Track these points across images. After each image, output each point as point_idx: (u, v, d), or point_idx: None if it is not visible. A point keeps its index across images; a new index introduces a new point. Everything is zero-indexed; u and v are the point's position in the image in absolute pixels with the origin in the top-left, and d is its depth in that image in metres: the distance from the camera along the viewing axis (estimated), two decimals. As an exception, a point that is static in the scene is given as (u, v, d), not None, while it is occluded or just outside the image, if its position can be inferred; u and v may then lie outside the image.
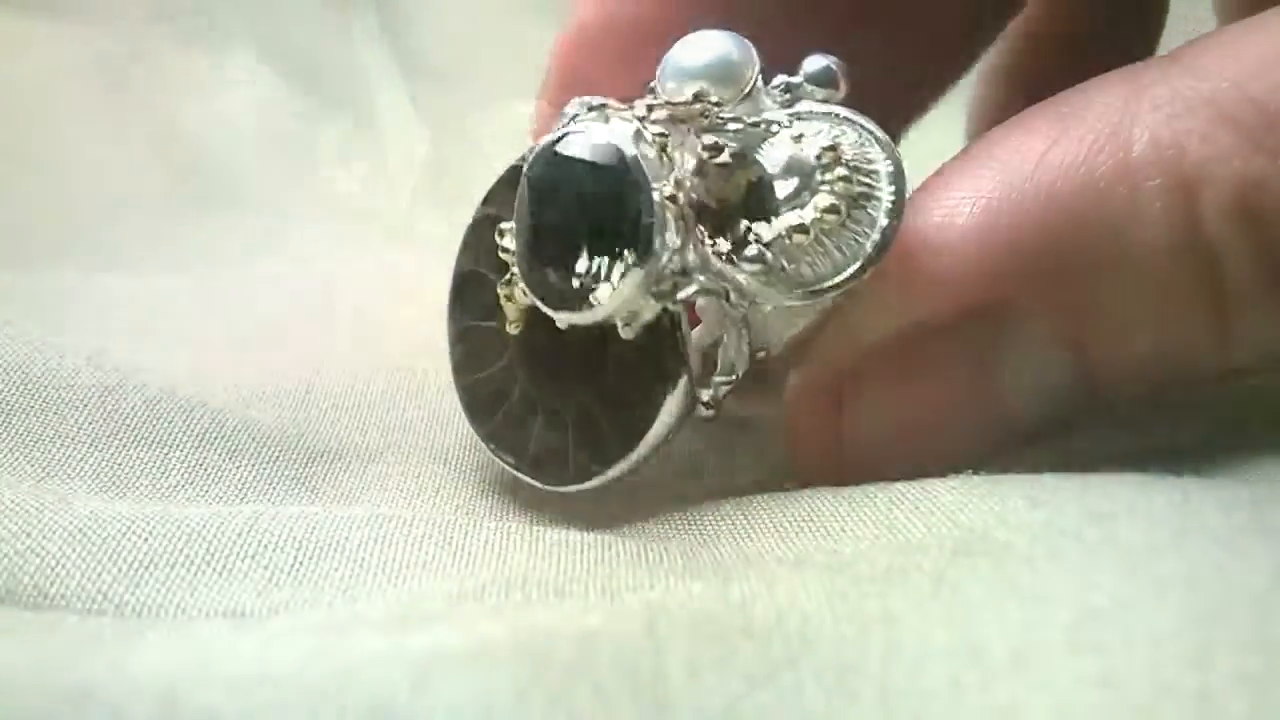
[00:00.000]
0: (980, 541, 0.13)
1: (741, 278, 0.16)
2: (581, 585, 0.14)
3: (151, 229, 0.33)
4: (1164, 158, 0.14)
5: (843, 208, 0.15)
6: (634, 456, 0.16)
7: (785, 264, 0.15)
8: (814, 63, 0.16)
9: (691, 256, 0.16)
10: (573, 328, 0.16)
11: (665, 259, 0.15)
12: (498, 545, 0.15)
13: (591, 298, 0.15)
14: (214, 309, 0.26)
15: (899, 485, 0.16)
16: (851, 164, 0.15)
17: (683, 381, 0.16)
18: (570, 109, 0.17)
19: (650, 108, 0.16)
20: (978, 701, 0.10)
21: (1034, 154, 0.15)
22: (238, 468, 0.18)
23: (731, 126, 0.16)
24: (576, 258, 0.15)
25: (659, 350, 0.16)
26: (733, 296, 0.16)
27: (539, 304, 0.16)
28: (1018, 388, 0.16)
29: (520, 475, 0.17)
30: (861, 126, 0.16)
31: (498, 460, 0.18)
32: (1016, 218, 0.15)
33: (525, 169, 0.16)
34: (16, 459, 0.17)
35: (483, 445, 0.18)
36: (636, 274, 0.15)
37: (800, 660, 0.11)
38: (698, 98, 0.16)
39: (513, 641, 0.11)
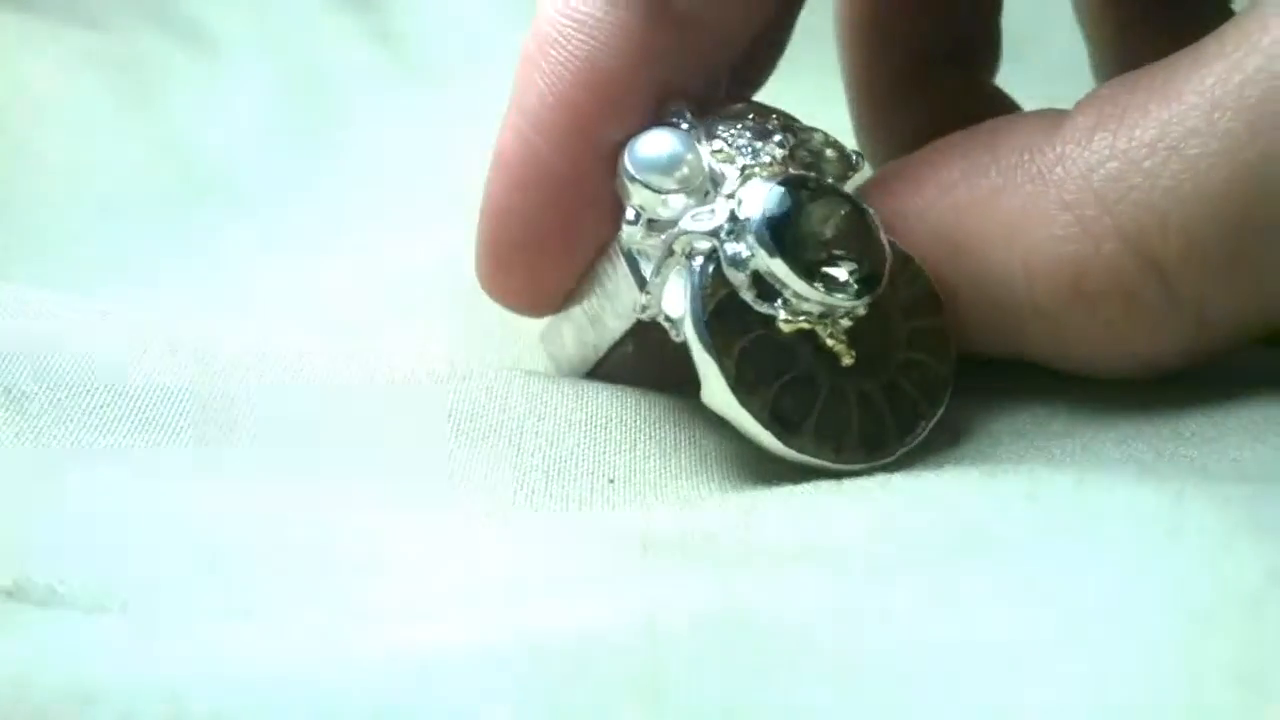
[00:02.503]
0: (977, 537, 0.13)
1: None
2: (581, 582, 0.14)
3: (150, 229, 0.33)
4: (1015, 229, 0.17)
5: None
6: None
7: None
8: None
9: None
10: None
11: None
12: (498, 544, 0.15)
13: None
14: (213, 293, 0.26)
15: (896, 478, 0.16)
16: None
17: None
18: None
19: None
20: (975, 700, 0.10)
21: (931, 192, 0.18)
22: (245, 448, 0.18)
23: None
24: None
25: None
26: None
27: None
28: None
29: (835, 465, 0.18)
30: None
31: (812, 461, 0.18)
32: (906, 236, 0.18)
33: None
34: (26, 445, 0.17)
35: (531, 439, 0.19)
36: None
37: (799, 658, 0.11)
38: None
39: (513, 640, 0.11)
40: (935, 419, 0.18)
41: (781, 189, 0.17)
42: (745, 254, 0.17)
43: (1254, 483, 0.14)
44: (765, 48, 0.23)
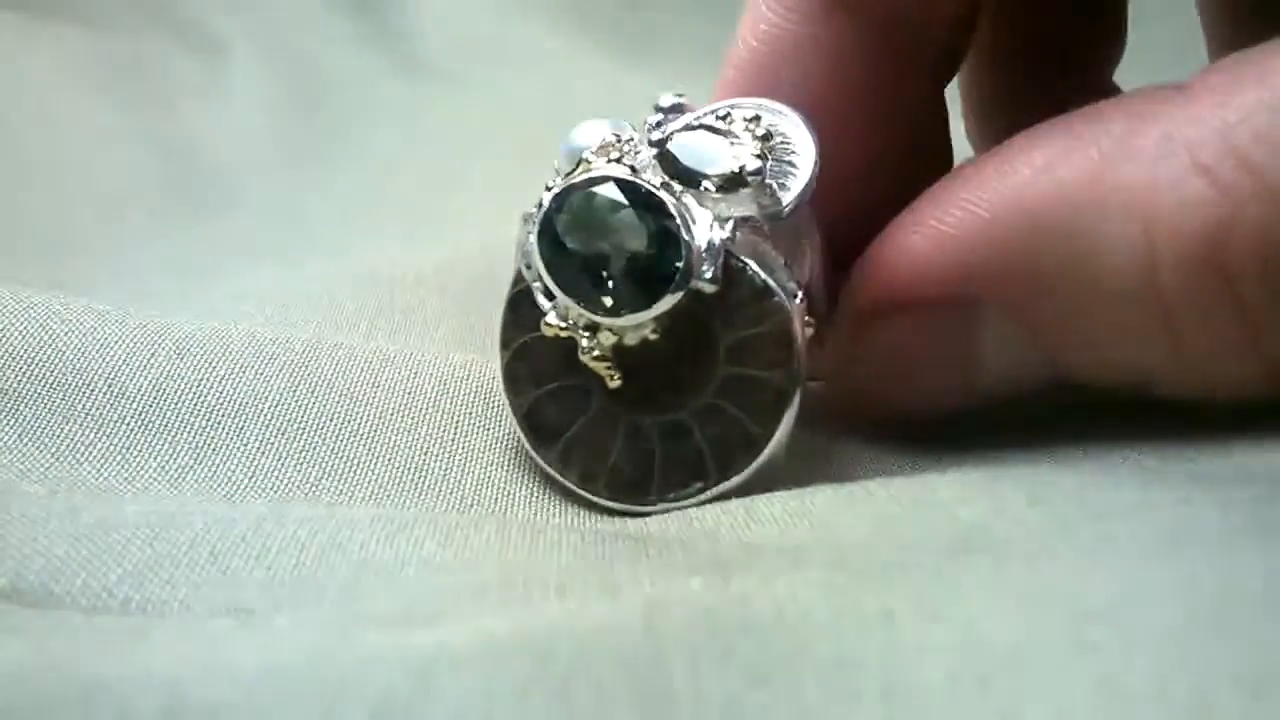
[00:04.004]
0: (979, 538, 0.13)
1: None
2: (582, 582, 0.14)
3: (150, 230, 0.33)
4: (1137, 199, 0.15)
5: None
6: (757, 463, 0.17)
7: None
8: (667, 99, 0.17)
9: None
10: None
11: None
12: (498, 544, 0.15)
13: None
14: (214, 293, 0.26)
15: (898, 480, 0.16)
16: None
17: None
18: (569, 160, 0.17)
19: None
20: (976, 701, 0.10)
21: (1025, 173, 0.16)
22: (245, 445, 0.18)
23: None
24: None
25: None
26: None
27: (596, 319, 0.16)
28: (989, 369, 0.17)
29: (595, 498, 0.17)
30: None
31: (563, 481, 0.17)
32: (994, 226, 0.16)
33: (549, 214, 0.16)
34: (26, 446, 0.17)
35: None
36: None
37: (799, 657, 0.11)
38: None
39: (514, 639, 0.11)
40: (721, 487, 0.17)
41: (568, 184, 0.16)
42: (530, 245, 0.16)
43: (1258, 485, 0.14)
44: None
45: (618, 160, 0.16)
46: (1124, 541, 0.12)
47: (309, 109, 0.41)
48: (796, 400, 0.16)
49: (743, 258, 0.16)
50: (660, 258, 0.16)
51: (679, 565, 0.14)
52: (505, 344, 0.18)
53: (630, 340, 0.16)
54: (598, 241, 0.16)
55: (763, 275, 0.16)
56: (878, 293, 0.17)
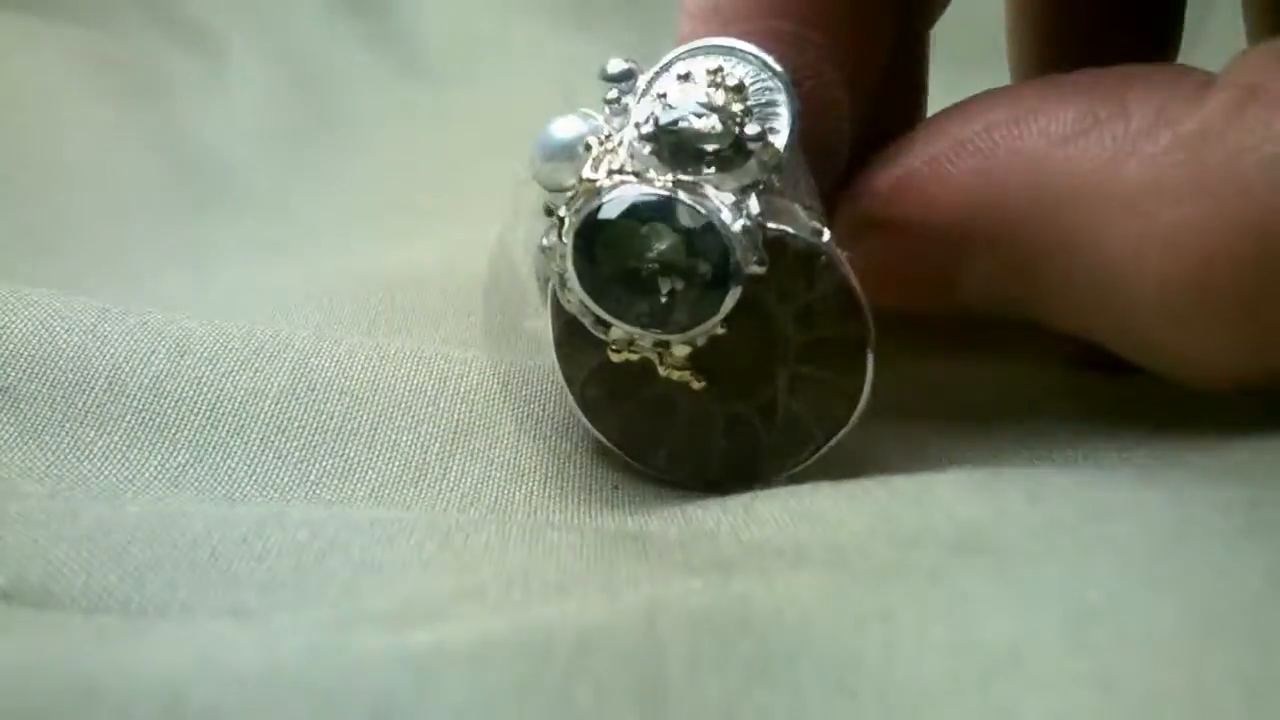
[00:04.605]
0: (978, 537, 0.13)
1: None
2: (581, 582, 0.14)
3: (151, 230, 0.33)
4: (1139, 203, 0.15)
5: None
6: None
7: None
8: (616, 65, 0.17)
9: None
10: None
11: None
12: (498, 544, 0.15)
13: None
14: (215, 293, 0.26)
15: (898, 479, 0.16)
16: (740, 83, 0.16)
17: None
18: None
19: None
20: (975, 700, 0.10)
21: (1040, 143, 0.16)
22: (246, 444, 0.18)
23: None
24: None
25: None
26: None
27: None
28: (967, 291, 0.18)
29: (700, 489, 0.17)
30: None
31: (666, 479, 0.18)
32: (1000, 183, 0.16)
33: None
34: (26, 443, 0.17)
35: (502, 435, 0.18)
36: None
37: (799, 657, 0.11)
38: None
39: (513, 640, 0.11)
40: (831, 443, 0.17)
41: (587, 212, 0.16)
42: (570, 279, 0.16)
43: (1257, 486, 0.14)
44: None
45: (617, 171, 0.16)
46: (1123, 542, 0.12)
47: (309, 107, 0.40)
48: (873, 342, 0.16)
49: (772, 225, 0.16)
50: (708, 260, 0.15)
51: (679, 565, 0.14)
52: (570, 380, 0.17)
53: (701, 343, 0.16)
54: (638, 263, 0.16)
55: (802, 236, 0.16)
56: (875, 209, 0.18)
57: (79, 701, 0.10)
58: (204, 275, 0.29)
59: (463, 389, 0.20)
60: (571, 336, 0.17)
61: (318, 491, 0.17)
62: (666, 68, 0.17)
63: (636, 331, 0.16)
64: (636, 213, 0.15)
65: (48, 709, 0.10)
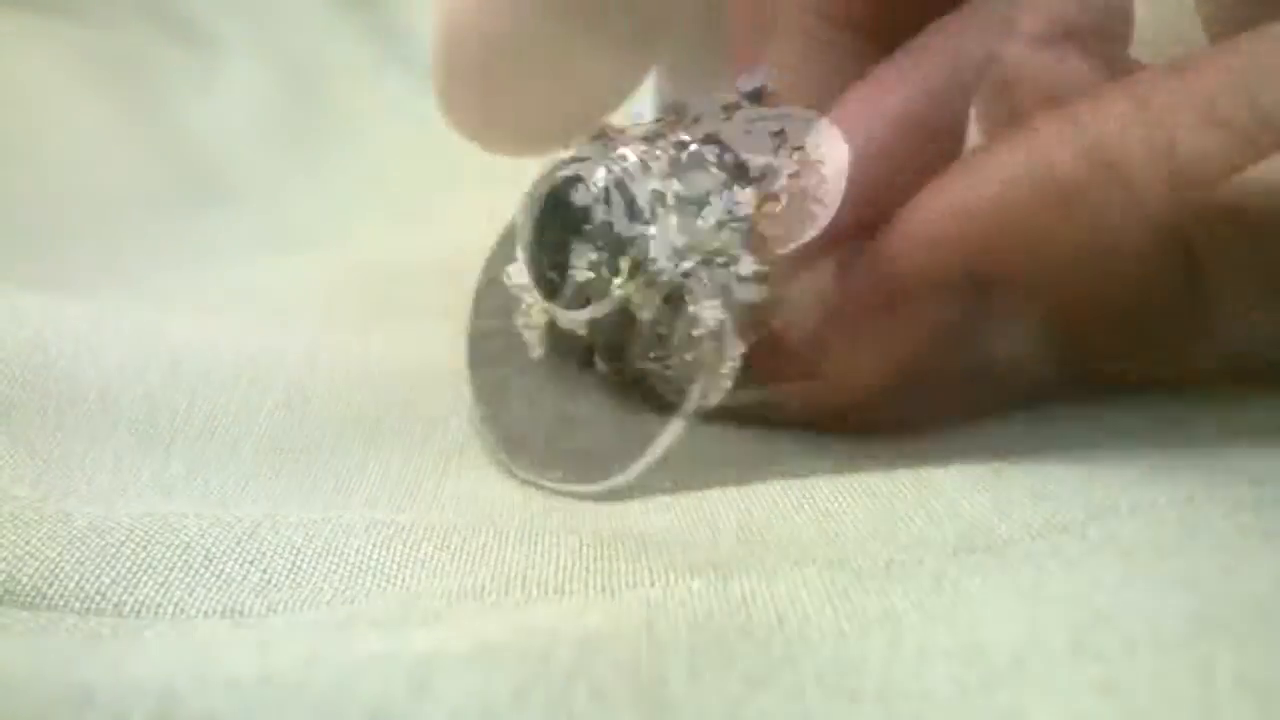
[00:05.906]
0: (982, 536, 0.13)
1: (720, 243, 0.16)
2: (581, 584, 0.14)
3: (150, 228, 0.33)
4: (1155, 174, 0.15)
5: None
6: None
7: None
8: (747, 82, 0.17)
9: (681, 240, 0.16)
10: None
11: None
12: (496, 545, 0.15)
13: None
14: (211, 299, 0.26)
15: (901, 474, 0.16)
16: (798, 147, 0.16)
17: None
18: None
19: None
20: (980, 704, 0.10)
21: (1035, 160, 0.15)
22: (239, 459, 0.18)
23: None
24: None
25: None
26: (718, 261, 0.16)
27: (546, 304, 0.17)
28: (996, 349, 0.17)
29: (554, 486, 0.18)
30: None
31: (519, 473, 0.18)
32: (1003, 206, 0.16)
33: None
34: (17, 454, 0.17)
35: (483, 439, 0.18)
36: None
37: (801, 661, 0.11)
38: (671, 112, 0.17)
39: (512, 642, 0.11)
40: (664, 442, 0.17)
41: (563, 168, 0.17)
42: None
43: (1265, 486, 0.14)
44: None
45: (620, 157, 0.16)
46: (1129, 542, 0.12)
47: (306, 104, 0.41)
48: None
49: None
50: (611, 264, 0.16)
51: (679, 566, 0.14)
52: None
53: (561, 325, 0.17)
54: (567, 233, 0.17)
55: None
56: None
57: (72, 705, 0.10)
58: (201, 270, 0.29)
59: (463, 396, 0.20)
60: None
61: (311, 504, 0.17)
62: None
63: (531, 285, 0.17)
64: (590, 189, 0.16)
65: (40, 712, 0.10)
